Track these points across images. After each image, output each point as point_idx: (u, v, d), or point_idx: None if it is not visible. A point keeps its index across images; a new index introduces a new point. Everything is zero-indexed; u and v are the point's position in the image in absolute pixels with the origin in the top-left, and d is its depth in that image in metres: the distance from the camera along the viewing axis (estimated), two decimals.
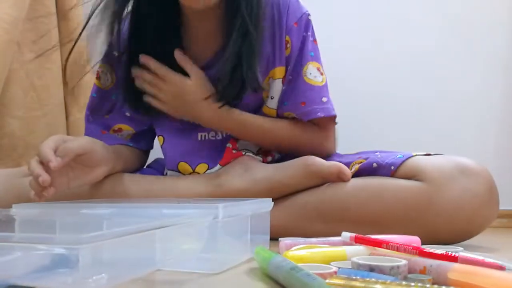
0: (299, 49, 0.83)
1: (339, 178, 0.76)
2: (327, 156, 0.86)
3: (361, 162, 0.79)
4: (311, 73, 0.84)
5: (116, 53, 0.86)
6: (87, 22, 0.81)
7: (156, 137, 0.91)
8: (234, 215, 0.54)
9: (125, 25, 0.83)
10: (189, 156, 0.86)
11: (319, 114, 0.83)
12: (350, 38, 1.21)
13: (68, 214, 0.56)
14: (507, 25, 1.20)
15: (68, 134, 1.16)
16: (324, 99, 0.84)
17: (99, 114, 0.90)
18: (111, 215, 0.52)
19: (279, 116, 0.87)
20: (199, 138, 0.87)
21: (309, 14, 0.85)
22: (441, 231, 0.70)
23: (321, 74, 0.85)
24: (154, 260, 0.42)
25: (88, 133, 0.89)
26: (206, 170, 0.85)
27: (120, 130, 0.90)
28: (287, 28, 0.83)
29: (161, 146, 0.89)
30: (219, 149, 0.86)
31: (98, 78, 0.90)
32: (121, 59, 0.85)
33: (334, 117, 0.86)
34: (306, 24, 0.84)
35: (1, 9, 0.95)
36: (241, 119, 0.82)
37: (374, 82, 1.20)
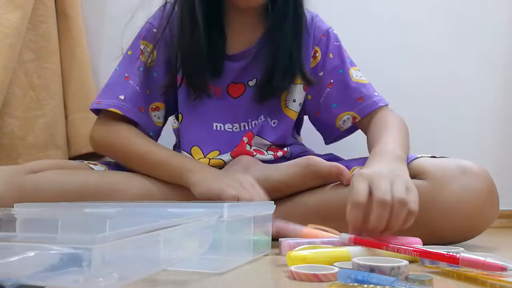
0: (338, 55, 0.93)
1: (338, 179, 0.76)
2: (330, 158, 0.88)
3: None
4: (357, 75, 0.92)
5: (155, 31, 0.89)
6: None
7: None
8: (238, 215, 0.54)
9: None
10: (202, 142, 0.89)
11: (380, 104, 0.89)
12: (349, 38, 1.21)
13: (70, 213, 0.56)
14: (507, 24, 1.20)
15: (67, 133, 1.16)
16: (376, 93, 0.91)
17: (145, 89, 0.88)
18: (115, 215, 0.52)
19: (325, 118, 0.93)
20: (214, 128, 0.90)
21: (333, 29, 0.95)
22: (444, 229, 0.71)
23: (362, 75, 0.93)
24: (162, 260, 0.42)
25: (129, 98, 0.86)
26: (217, 156, 0.88)
27: (157, 108, 0.91)
28: (316, 40, 0.93)
29: (180, 125, 0.91)
30: (234, 140, 0.89)
31: (142, 54, 0.89)
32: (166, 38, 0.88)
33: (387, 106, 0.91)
34: (334, 36, 0.94)
35: (1, 14, 0.95)
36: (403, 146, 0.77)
37: (373, 82, 1.20)
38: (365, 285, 0.40)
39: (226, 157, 0.87)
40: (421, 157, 0.76)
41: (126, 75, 0.88)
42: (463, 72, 1.21)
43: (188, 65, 0.86)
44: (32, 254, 0.34)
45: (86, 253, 0.32)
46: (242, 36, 0.91)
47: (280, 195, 0.79)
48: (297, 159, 0.81)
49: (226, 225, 0.50)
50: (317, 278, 0.46)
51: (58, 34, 1.14)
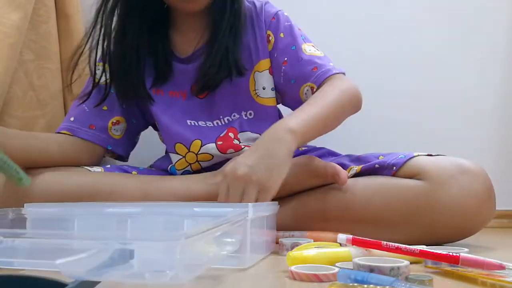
0: (289, 34, 0.92)
1: (334, 179, 0.77)
2: (323, 153, 0.91)
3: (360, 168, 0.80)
4: (310, 49, 0.91)
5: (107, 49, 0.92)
6: (92, 29, 0.88)
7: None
8: (259, 215, 0.57)
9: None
10: (182, 137, 0.90)
11: (334, 71, 0.87)
12: (348, 37, 1.21)
13: (85, 213, 0.57)
14: (507, 25, 1.20)
15: None
16: (331, 64, 0.89)
17: (98, 107, 0.92)
18: (139, 214, 0.54)
19: (291, 96, 0.92)
20: (189, 124, 0.92)
21: (283, 11, 0.95)
22: (442, 228, 0.71)
23: (317, 49, 0.92)
24: (214, 256, 0.45)
25: (78, 118, 0.92)
26: (201, 146, 0.89)
27: (118, 122, 0.94)
28: (266, 24, 0.93)
29: (160, 133, 0.95)
30: (212, 132, 0.91)
31: (95, 74, 0.93)
32: (115, 55, 0.90)
33: (343, 74, 0.90)
34: (285, 17, 0.94)
35: (2, 14, 0.95)
36: (313, 117, 0.76)
37: (373, 82, 1.20)
38: (365, 285, 0.40)
39: (213, 149, 0.88)
40: (418, 155, 0.76)
41: (82, 99, 0.92)
42: (462, 72, 1.21)
43: (118, 69, 0.89)
44: (96, 251, 0.36)
45: (170, 250, 0.34)
46: (192, 38, 0.92)
47: (279, 194, 0.78)
48: (297, 158, 0.81)
49: (250, 223, 0.53)
50: (317, 278, 0.46)
51: (58, 34, 1.14)
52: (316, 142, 0.98)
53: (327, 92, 0.82)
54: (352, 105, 0.84)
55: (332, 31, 1.20)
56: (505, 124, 1.20)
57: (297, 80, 0.89)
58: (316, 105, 0.77)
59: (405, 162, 0.75)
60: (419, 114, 1.20)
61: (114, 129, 0.94)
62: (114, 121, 0.93)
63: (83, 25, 1.18)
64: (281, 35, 0.92)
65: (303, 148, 0.95)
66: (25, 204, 0.59)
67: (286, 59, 0.91)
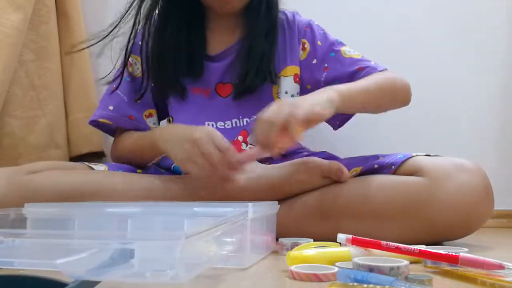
0: (325, 42, 0.96)
1: (337, 175, 0.77)
2: (326, 157, 0.89)
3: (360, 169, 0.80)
4: (349, 51, 0.95)
5: (143, 44, 0.93)
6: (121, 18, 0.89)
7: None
8: (259, 215, 0.57)
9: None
10: None
11: (380, 68, 0.91)
12: (347, 37, 1.21)
13: (86, 213, 0.57)
14: (507, 24, 1.20)
15: (67, 134, 1.16)
16: (373, 62, 0.93)
17: (131, 98, 0.94)
18: (139, 214, 0.54)
19: None
20: (206, 125, 0.92)
21: (313, 20, 0.99)
22: (441, 225, 0.71)
23: (355, 51, 0.96)
24: (217, 256, 0.45)
25: (117, 108, 0.93)
26: None
27: (151, 115, 0.96)
28: (300, 33, 0.96)
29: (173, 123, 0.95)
30: (227, 136, 0.89)
31: (130, 66, 0.96)
32: (148, 48, 0.92)
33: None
34: (317, 26, 0.98)
35: (2, 14, 0.95)
36: (355, 89, 0.81)
37: None
38: (365, 285, 0.40)
39: None
40: (416, 155, 0.77)
41: (115, 86, 0.93)
42: (461, 72, 1.21)
43: (156, 63, 0.91)
44: (96, 251, 0.36)
45: (174, 247, 0.35)
46: (223, 37, 0.94)
47: (281, 193, 0.79)
48: (299, 159, 0.82)
49: (250, 223, 0.53)
50: (317, 278, 0.46)
51: (59, 34, 1.14)
52: (316, 145, 0.98)
53: (372, 76, 0.88)
54: (393, 93, 0.89)
55: (330, 30, 1.19)
56: (505, 124, 1.20)
57: (341, 80, 0.91)
58: (359, 82, 0.84)
59: (404, 161, 0.76)
60: (418, 114, 1.20)
61: (150, 121, 0.96)
62: (147, 113, 0.95)
63: (83, 25, 1.18)
64: (318, 43, 0.95)
65: (305, 152, 0.95)
66: (25, 204, 0.60)
67: (327, 65, 0.94)
